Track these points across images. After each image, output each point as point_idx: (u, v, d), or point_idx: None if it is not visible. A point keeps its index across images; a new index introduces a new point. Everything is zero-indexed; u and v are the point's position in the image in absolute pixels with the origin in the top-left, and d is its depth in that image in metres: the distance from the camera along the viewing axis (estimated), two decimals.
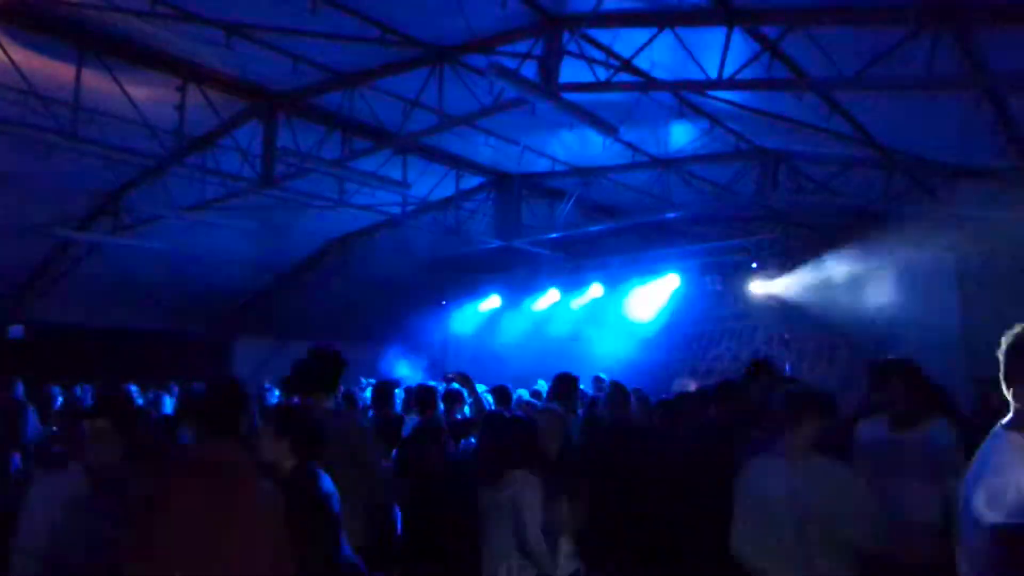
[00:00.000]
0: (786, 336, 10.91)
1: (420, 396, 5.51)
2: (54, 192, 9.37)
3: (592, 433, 5.42)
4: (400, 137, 7.64)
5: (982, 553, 2.16)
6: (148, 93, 7.02)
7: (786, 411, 3.25)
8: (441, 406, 5.82)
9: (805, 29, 5.14)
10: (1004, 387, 2.27)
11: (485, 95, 6.66)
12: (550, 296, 14.19)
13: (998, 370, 2.27)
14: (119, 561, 2.53)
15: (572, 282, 13.71)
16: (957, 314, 9.46)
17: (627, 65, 6.13)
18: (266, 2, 5.66)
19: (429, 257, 12.99)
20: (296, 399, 4.02)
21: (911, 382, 3.76)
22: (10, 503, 3.21)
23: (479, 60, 6.21)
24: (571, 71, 5.85)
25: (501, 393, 6.72)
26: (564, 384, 5.69)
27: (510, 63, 5.90)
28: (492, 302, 14.83)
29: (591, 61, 5.96)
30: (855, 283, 10.46)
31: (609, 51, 6.14)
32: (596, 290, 13.48)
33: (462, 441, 5.42)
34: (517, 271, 14.03)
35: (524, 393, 7.15)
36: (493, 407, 6.13)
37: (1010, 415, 2.25)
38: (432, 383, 5.95)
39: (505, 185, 10.50)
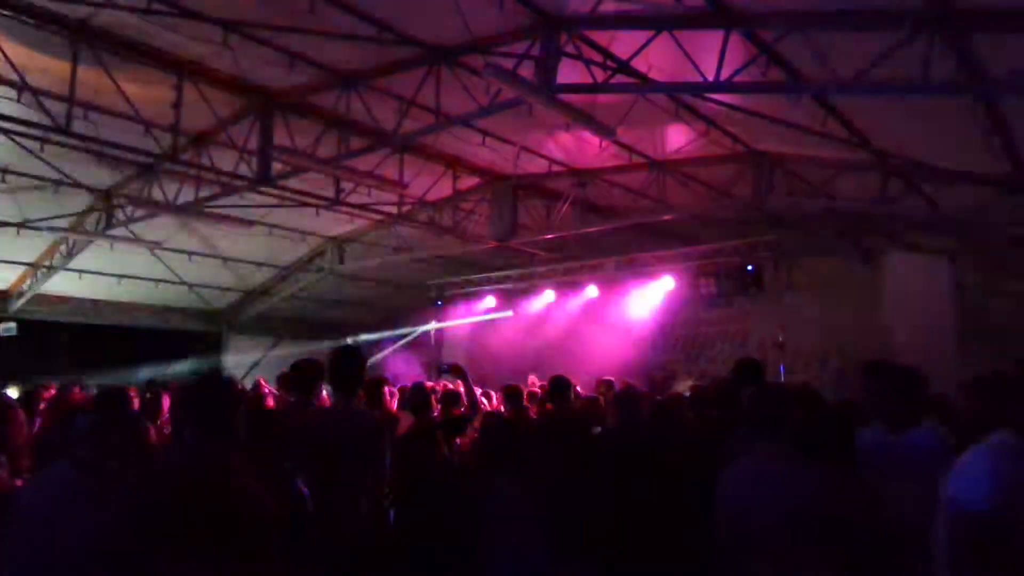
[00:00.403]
0: (780, 339, 10.93)
1: (415, 396, 5.50)
2: (49, 188, 9.32)
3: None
4: (397, 136, 7.64)
5: (950, 540, 2.18)
6: (144, 90, 7.00)
7: (764, 408, 3.18)
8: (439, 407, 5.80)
9: (802, 33, 5.15)
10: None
11: (482, 95, 6.66)
12: (545, 297, 14.20)
13: (992, 372, 2.29)
14: (113, 560, 2.51)
15: (567, 283, 13.70)
16: (952, 318, 9.51)
17: (624, 67, 6.14)
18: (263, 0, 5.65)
19: (425, 257, 12.98)
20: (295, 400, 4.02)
21: (902, 384, 3.75)
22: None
23: (477, 60, 6.21)
24: (568, 72, 5.85)
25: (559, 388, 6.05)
26: (559, 386, 5.71)
27: (508, 63, 5.90)
28: (488, 303, 14.81)
29: (588, 62, 5.97)
30: (850, 286, 10.50)
31: (607, 53, 6.15)
32: (591, 291, 13.49)
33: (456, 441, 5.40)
34: (513, 272, 14.02)
35: None
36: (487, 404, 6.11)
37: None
38: (427, 383, 5.93)
39: (502, 186, 10.50)
